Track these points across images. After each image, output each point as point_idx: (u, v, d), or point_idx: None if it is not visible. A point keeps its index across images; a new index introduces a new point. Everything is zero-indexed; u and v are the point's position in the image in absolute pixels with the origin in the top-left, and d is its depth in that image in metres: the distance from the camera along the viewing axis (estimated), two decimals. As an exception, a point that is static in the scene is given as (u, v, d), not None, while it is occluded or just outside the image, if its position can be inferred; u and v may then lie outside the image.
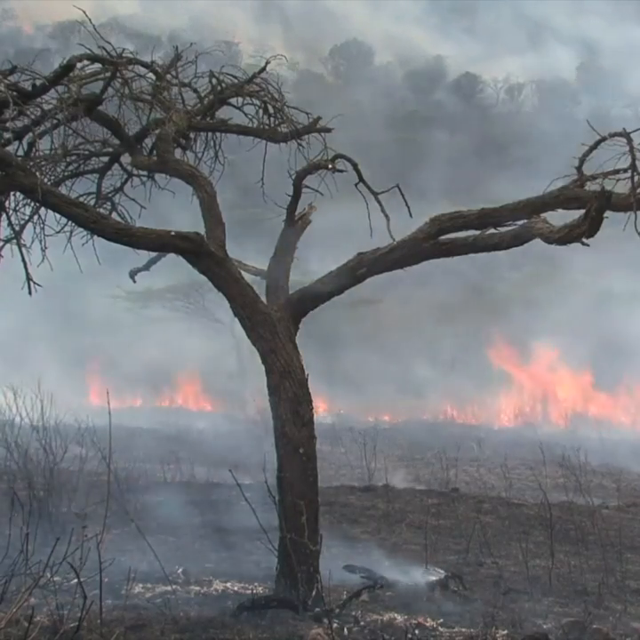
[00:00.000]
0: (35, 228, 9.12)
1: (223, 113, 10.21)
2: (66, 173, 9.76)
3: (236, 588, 10.06)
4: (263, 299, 9.24)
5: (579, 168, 8.54)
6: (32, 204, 8.93)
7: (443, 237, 8.97)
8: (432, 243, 8.94)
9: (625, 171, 8.32)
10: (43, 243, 9.13)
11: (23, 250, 8.70)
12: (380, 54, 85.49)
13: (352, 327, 43.32)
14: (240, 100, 10.12)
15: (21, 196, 8.83)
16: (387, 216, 9.40)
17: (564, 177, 8.62)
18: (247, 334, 9.11)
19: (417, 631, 8.33)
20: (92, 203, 9.94)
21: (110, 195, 10.26)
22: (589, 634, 8.14)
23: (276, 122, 10.02)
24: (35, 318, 32.14)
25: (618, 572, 10.95)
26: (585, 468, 15.19)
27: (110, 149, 9.97)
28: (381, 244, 9.10)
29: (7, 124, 8.51)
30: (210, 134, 10.21)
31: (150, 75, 9.72)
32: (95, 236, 9.14)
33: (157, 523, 12.49)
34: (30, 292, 8.46)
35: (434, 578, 10.07)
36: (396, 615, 8.82)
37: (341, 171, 9.49)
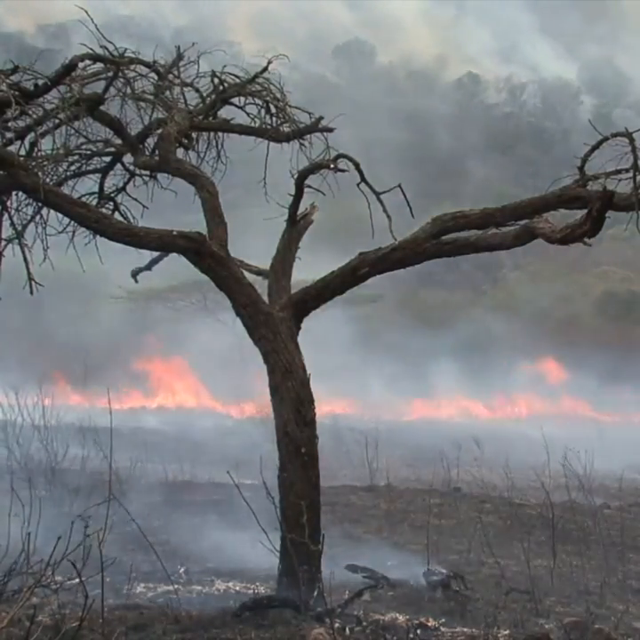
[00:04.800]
0: (37, 227, 9.12)
1: (225, 113, 10.21)
2: (68, 173, 9.76)
3: (237, 588, 10.07)
4: (265, 298, 9.24)
5: (581, 168, 8.54)
6: (34, 203, 8.94)
7: (445, 237, 8.97)
8: (434, 243, 8.94)
9: (627, 171, 8.32)
10: (45, 242, 9.13)
11: (25, 249, 8.70)
12: (383, 54, 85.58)
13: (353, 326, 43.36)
14: (242, 99, 10.12)
15: (23, 196, 8.84)
16: (388, 216, 9.39)
17: (566, 177, 8.63)
18: (249, 334, 9.10)
19: (419, 631, 8.32)
20: (95, 202, 9.94)
21: (112, 194, 10.25)
22: (591, 634, 8.13)
23: (278, 121, 10.01)
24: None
25: (620, 572, 10.96)
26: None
27: (112, 149, 9.97)
28: (383, 244, 9.10)
29: (9, 124, 8.52)
30: (212, 134, 10.20)
31: (152, 74, 9.72)
32: (98, 236, 9.14)
33: (159, 522, 12.50)
34: (31, 292, 8.48)
35: (436, 577, 10.06)
36: (397, 615, 8.81)
37: (343, 170, 9.49)
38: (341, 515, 14.49)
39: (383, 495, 16.48)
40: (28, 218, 9.07)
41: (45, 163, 8.95)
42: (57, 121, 8.76)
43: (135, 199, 10.29)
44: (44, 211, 9.02)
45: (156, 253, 9.88)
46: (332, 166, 9.45)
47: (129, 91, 9.42)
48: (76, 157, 9.79)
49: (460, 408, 42.10)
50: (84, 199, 9.50)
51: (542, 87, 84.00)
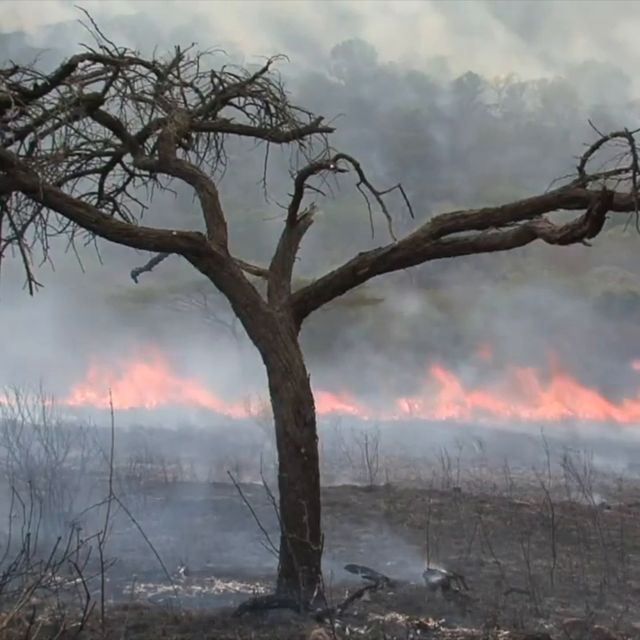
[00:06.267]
0: (36, 227, 9.12)
1: (225, 113, 10.21)
2: (68, 173, 9.76)
3: (237, 588, 10.06)
4: (265, 298, 9.24)
5: (580, 168, 8.54)
6: (34, 203, 8.93)
7: (444, 237, 8.97)
8: (434, 243, 8.94)
9: (626, 171, 8.32)
10: (44, 242, 9.14)
11: (25, 250, 8.70)
12: (382, 54, 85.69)
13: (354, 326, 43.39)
14: (242, 99, 10.12)
15: (23, 196, 8.83)
16: (388, 216, 9.39)
17: (565, 177, 8.63)
18: (249, 334, 9.11)
19: (419, 631, 8.33)
20: (94, 203, 9.95)
21: (112, 194, 10.26)
22: (591, 634, 8.13)
23: (278, 122, 10.02)
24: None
25: (619, 572, 10.95)
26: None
27: (112, 149, 9.97)
28: (383, 244, 9.10)
29: (9, 124, 8.51)
30: (211, 134, 10.21)
31: (152, 74, 9.72)
32: (97, 236, 9.14)
33: (159, 522, 12.50)
34: (31, 292, 8.47)
35: (435, 578, 10.06)
36: (397, 615, 8.81)
37: (343, 171, 9.49)
38: (341, 515, 14.50)
39: (383, 495, 16.49)
40: (28, 218, 9.07)
41: (45, 163, 8.94)
42: (57, 121, 8.76)
43: (135, 199, 10.30)
44: (44, 211, 9.01)
45: (155, 253, 9.88)
46: (331, 166, 9.46)
47: (129, 91, 9.42)
48: (75, 157, 9.80)
49: (460, 408, 42.12)
50: (83, 199, 9.50)
51: (542, 88, 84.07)
